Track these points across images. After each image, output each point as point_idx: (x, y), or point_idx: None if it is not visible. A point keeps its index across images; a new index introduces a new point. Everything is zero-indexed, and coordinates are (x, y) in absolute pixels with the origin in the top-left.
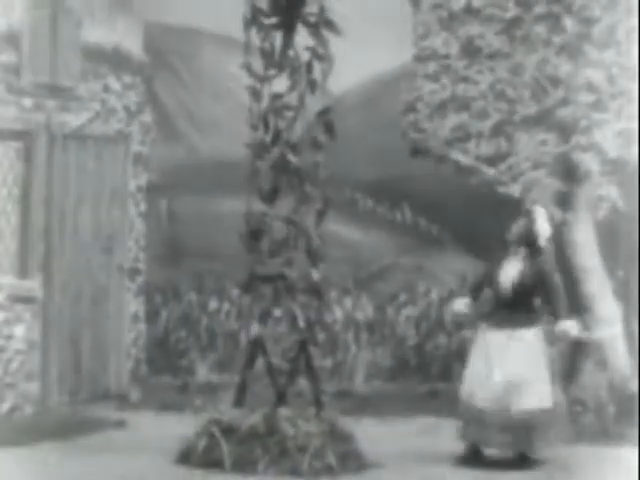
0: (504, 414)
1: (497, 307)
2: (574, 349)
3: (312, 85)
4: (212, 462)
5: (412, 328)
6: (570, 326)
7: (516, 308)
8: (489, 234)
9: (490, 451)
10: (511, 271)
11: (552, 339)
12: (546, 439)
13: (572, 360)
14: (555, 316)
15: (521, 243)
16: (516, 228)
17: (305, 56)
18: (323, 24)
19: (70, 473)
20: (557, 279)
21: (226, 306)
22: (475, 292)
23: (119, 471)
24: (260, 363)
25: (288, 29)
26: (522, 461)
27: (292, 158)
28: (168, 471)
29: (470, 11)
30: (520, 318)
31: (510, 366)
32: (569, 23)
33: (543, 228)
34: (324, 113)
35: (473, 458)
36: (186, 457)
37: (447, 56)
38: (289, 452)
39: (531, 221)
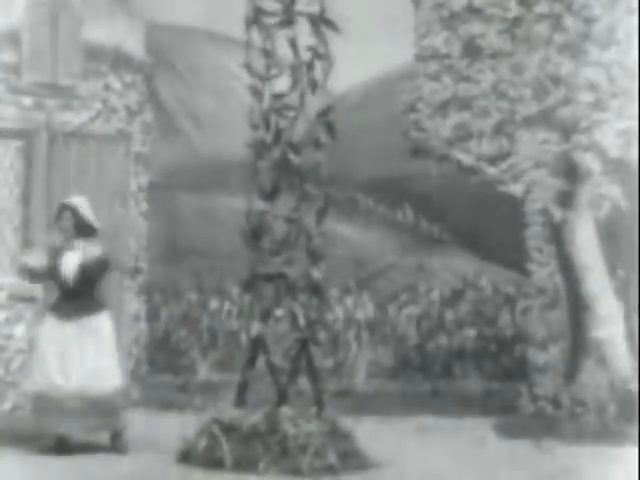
0: None
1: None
2: (575, 348)
3: (313, 85)
4: (213, 461)
5: (413, 327)
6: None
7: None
8: (489, 233)
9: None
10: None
11: None
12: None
13: (573, 359)
14: None
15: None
16: (65, 223)
17: (306, 55)
18: (324, 23)
19: (71, 472)
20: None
21: (227, 305)
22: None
23: (119, 470)
24: (261, 362)
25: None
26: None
27: (293, 157)
28: (169, 470)
29: (471, 10)
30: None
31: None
32: (570, 22)
33: (87, 213)
34: (325, 113)
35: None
36: (187, 456)
37: (448, 55)
38: (290, 451)
39: (75, 211)
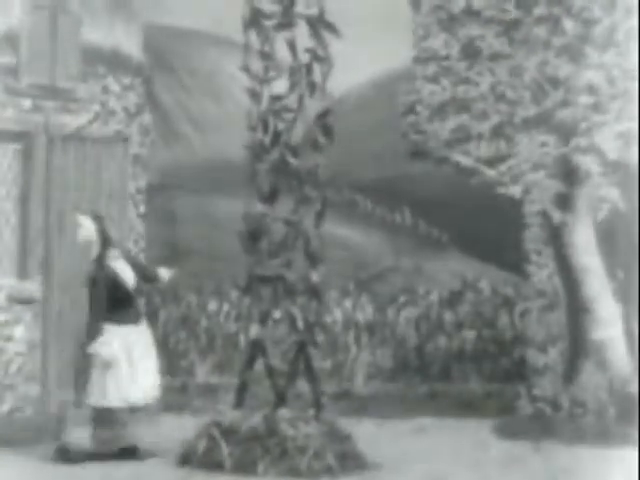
0: None
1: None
2: (574, 350)
3: (312, 87)
4: (212, 463)
5: (412, 329)
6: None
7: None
8: (488, 236)
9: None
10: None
11: None
12: None
13: (572, 361)
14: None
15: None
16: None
17: (305, 58)
18: (322, 25)
19: (70, 475)
20: None
21: (225, 307)
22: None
23: (119, 473)
24: (260, 364)
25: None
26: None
27: (291, 160)
28: (168, 473)
29: (470, 13)
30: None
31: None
32: (569, 25)
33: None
34: (323, 115)
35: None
36: (186, 459)
37: (447, 58)
38: (289, 453)
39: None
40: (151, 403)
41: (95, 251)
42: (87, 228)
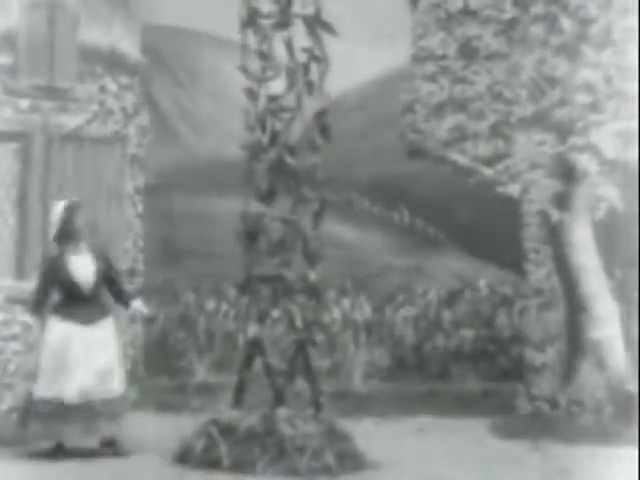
0: None
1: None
2: (572, 349)
3: (309, 86)
4: (210, 462)
5: (410, 328)
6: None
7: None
8: (486, 234)
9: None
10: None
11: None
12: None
13: (570, 360)
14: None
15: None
16: (78, 223)
17: (302, 57)
18: (319, 25)
19: (68, 473)
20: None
21: (224, 307)
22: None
23: (117, 472)
24: (258, 364)
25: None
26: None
27: (289, 159)
28: (166, 472)
29: (468, 12)
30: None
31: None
32: (566, 23)
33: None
34: (321, 115)
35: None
36: (184, 458)
37: (445, 57)
38: (287, 452)
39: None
40: (109, 404)
41: (54, 238)
42: (54, 214)
